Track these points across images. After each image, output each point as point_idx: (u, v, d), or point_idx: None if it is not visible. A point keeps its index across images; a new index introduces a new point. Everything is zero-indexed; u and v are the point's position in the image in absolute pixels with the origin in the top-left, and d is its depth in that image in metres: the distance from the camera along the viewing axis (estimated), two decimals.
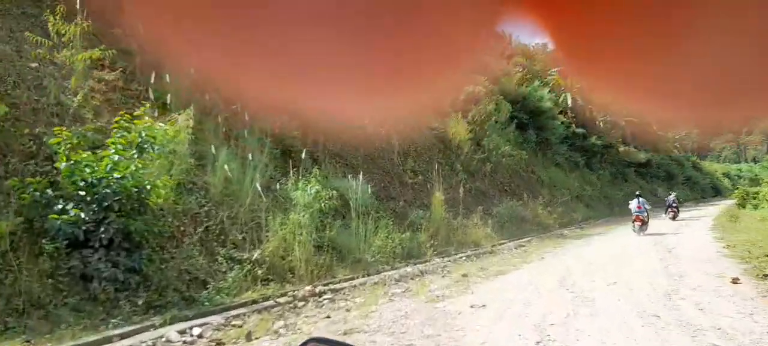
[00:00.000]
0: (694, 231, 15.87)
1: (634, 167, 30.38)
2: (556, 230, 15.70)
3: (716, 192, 36.67)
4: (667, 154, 34.29)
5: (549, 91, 24.08)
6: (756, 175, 52.41)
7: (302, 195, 7.68)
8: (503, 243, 12.36)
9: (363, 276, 7.77)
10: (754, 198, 19.19)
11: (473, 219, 12.31)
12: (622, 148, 31.20)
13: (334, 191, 8.37)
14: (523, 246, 12.36)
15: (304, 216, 7.39)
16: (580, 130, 26.46)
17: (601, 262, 9.55)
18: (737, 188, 23.97)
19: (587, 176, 26.28)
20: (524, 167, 19.70)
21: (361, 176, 9.23)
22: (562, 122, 24.46)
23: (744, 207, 19.18)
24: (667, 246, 11.64)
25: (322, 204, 7.85)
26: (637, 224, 14.47)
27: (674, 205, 20.83)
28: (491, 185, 16.51)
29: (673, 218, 19.87)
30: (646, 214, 14.55)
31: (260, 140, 8.24)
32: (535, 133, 21.67)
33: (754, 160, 65.79)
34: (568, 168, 24.82)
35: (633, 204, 14.79)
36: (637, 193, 15.45)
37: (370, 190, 9.58)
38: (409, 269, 8.59)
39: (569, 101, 25.21)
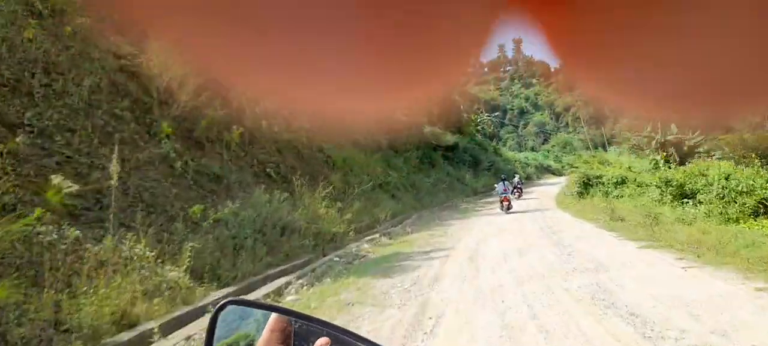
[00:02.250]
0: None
1: (441, 151, 26.62)
2: (348, 246, 9.32)
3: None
4: (472, 137, 31.92)
5: None
6: (540, 163, 56.53)
7: None
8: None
9: None
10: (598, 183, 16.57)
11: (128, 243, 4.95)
12: (427, 128, 27.34)
13: None
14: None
15: None
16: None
17: None
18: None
19: (392, 159, 21.19)
20: (305, 142, 13.09)
21: None
22: None
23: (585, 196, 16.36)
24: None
25: None
26: (505, 203, 16.11)
27: (519, 186, 23.14)
28: (238, 164, 9.44)
29: (518, 197, 21.34)
30: (510, 194, 16.74)
31: None
32: None
33: (532, 149, 72.42)
34: (369, 148, 19.27)
35: (499, 187, 16.79)
36: (503, 176, 18.49)
37: None
38: None
39: None
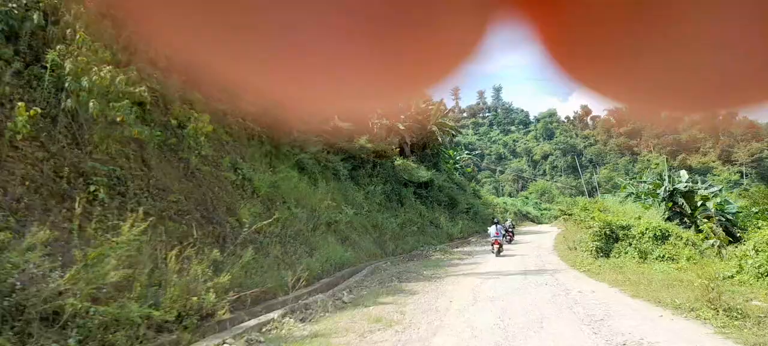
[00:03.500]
0: None
1: (413, 187, 22.55)
2: None
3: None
4: (449, 175, 28.01)
5: None
6: (519, 209, 53.00)
7: None
8: None
9: None
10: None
11: None
12: (399, 161, 23.35)
13: None
14: None
15: None
16: (345, 124, 17.13)
17: None
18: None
19: (351, 191, 16.99)
20: (212, 161, 8.89)
21: None
22: None
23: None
24: None
25: None
26: (496, 246, 16.02)
27: (511, 229, 22.71)
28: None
29: (509, 241, 21.02)
30: (502, 238, 16.53)
31: None
32: None
33: (510, 195, 69.33)
34: (319, 175, 15.13)
35: (492, 230, 16.75)
36: (495, 219, 19.14)
37: None
38: None
39: None
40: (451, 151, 29.89)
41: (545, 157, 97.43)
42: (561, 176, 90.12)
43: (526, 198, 62.56)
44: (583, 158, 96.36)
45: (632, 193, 24.23)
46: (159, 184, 6.95)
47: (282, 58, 0.22)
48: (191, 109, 8.65)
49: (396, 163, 22.62)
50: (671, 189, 20.48)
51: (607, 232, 12.29)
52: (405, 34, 0.21)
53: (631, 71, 0.24)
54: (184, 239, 6.40)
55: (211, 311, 4.97)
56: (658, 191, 20.83)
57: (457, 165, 30.92)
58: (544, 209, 56.12)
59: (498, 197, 57.47)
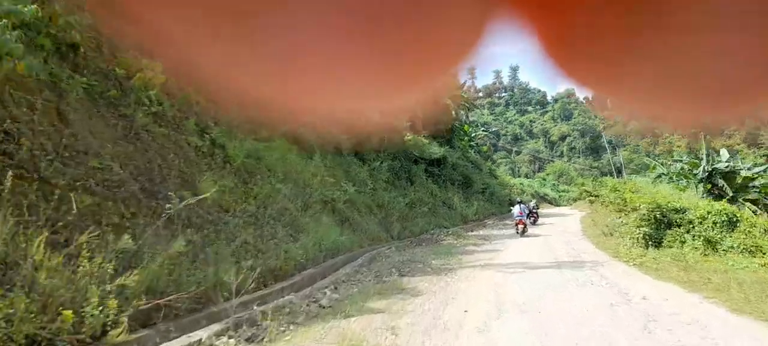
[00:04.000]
0: None
1: (424, 164, 20.68)
2: None
3: (512, 207, 30.24)
4: (464, 153, 26.04)
5: None
6: (536, 190, 50.87)
7: None
8: None
9: None
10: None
11: None
12: (408, 136, 21.46)
13: None
14: None
15: None
16: (343, 137, 15.20)
17: None
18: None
19: (353, 168, 15.24)
20: (171, 122, 7.18)
21: None
22: None
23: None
24: None
25: None
26: (520, 226, 15.66)
27: (535, 211, 21.45)
28: None
29: (533, 223, 20.12)
30: (526, 218, 16.12)
31: None
32: None
33: (526, 176, 67.11)
34: (317, 147, 13.41)
35: (515, 209, 16.44)
36: (519, 200, 18.48)
37: None
38: None
39: None
40: (466, 127, 27.86)
41: (563, 138, 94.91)
42: (579, 157, 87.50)
43: (544, 179, 60.44)
44: (603, 140, 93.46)
45: (663, 173, 22.09)
46: (78, 145, 5.21)
47: (277, 56, 0.22)
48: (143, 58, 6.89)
49: (406, 138, 20.75)
50: (710, 169, 18.35)
51: (657, 215, 10.27)
52: (404, 33, 0.21)
53: (631, 74, 0.24)
54: (103, 218, 4.68)
55: (103, 329, 3.26)
56: (695, 171, 18.68)
57: (472, 142, 28.92)
58: (563, 191, 53.95)
59: (514, 177, 55.41)
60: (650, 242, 9.85)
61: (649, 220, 10.24)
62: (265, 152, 9.56)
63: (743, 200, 17.30)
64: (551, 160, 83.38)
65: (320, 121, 14.01)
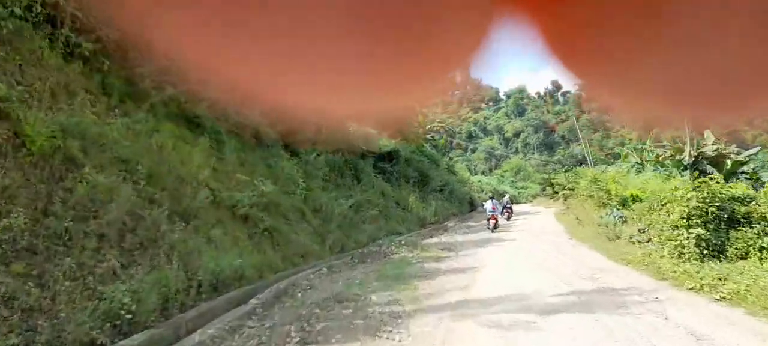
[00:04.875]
0: None
1: (373, 159, 17.53)
2: None
3: (472, 207, 27.56)
4: (419, 147, 23.02)
5: None
6: (495, 188, 48.79)
7: None
8: None
9: None
10: None
11: None
12: (353, 126, 18.24)
13: None
14: None
15: None
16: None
17: None
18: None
19: (278, 161, 11.88)
20: None
21: None
22: None
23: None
24: None
25: None
26: (492, 222, 15.30)
27: (509, 206, 20.51)
28: None
29: (507, 219, 19.23)
30: (499, 213, 15.96)
31: None
32: None
33: (483, 174, 65.42)
34: (226, 135, 10.06)
35: (488, 205, 15.98)
36: (491, 196, 19.54)
37: None
38: None
39: None
40: (420, 118, 24.91)
41: (517, 134, 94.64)
42: (534, 153, 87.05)
43: (502, 176, 58.78)
44: (556, 135, 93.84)
45: (638, 163, 19.92)
46: None
47: (276, 55, 0.21)
48: None
49: (351, 128, 17.51)
50: (696, 154, 16.13)
51: (714, 209, 7.28)
52: (405, 34, 0.20)
53: (633, 70, 0.24)
54: None
55: None
56: (678, 157, 16.42)
57: (428, 135, 26.02)
58: (522, 188, 52.35)
59: (471, 175, 53.27)
60: (708, 251, 6.91)
61: (702, 215, 7.22)
62: (112, 132, 6.06)
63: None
64: (507, 157, 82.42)
65: (233, 101, 10.59)
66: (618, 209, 11.77)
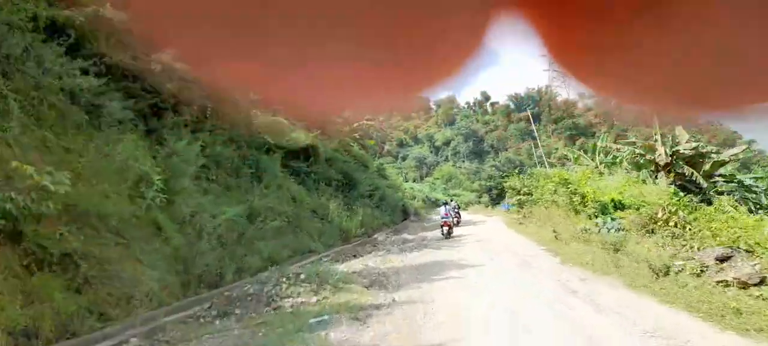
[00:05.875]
0: None
1: (281, 156, 13.62)
2: None
3: (406, 215, 24.28)
4: (345, 147, 19.35)
5: None
6: (427, 195, 46.15)
7: None
8: None
9: None
10: None
11: None
12: (259, 115, 14.28)
13: None
14: None
15: None
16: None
17: None
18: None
19: (121, 146, 7.72)
20: None
21: None
22: None
23: None
24: None
25: None
26: (445, 228, 14.70)
27: (457, 211, 19.26)
28: None
29: (456, 224, 17.63)
30: (452, 219, 15.09)
31: None
32: None
33: (414, 181, 63.06)
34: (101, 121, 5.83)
35: (441, 210, 15.66)
36: (444, 201, 18.51)
37: None
38: None
39: None
40: (345, 113, 21.28)
41: (447, 143, 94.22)
42: (464, 161, 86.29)
43: (433, 183, 56.53)
44: (485, 144, 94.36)
45: (592, 164, 17.52)
46: None
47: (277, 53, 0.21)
48: None
49: (256, 117, 13.53)
50: (671, 153, 13.76)
51: None
52: (406, 34, 0.21)
53: (632, 71, 0.24)
54: None
55: None
56: (651, 156, 13.98)
57: (355, 134, 22.42)
58: (454, 195, 50.19)
59: (404, 182, 50.40)
60: None
61: None
62: None
63: (711, 189, 12.76)
64: (438, 164, 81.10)
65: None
66: (613, 218, 8.83)
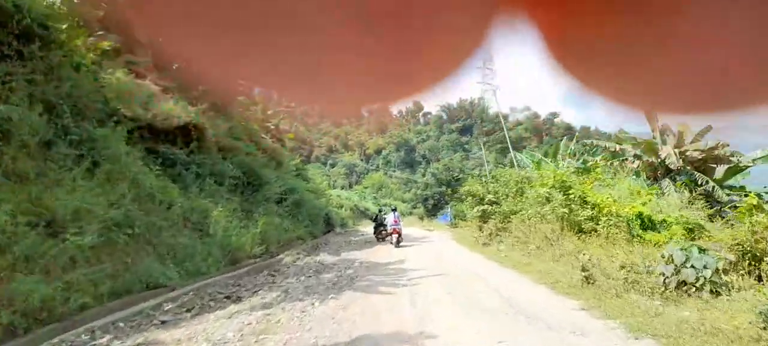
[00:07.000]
0: None
1: (131, 129, 8.94)
2: None
3: (329, 226, 20.07)
4: (248, 131, 14.80)
5: None
6: (355, 204, 42.03)
7: None
8: None
9: None
10: None
11: None
12: (109, 72, 9.56)
13: None
14: None
15: None
16: None
17: None
18: None
19: None
20: None
21: None
22: None
23: None
24: None
25: None
26: (395, 236, 14.04)
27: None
28: None
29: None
30: (400, 226, 14.35)
31: None
32: None
33: (343, 189, 58.94)
34: None
35: (389, 218, 14.96)
36: (393, 207, 16.03)
37: None
38: None
39: None
40: (256, 99, 16.73)
41: (378, 151, 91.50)
42: (395, 170, 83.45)
43: (363, 192, 52.63)
44: (417, 154, 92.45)
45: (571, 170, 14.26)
46: None
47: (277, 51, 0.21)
48: None
49: (86, 59, 8.78)
50: (678, 152, 10.61)
51: None
52: (406, 34, 0.21)
53: (631, 72, 0.24)
54: None
55: None
56: (650, 159, 10.77)
57: (268, 123, 17.89)
58: (385, 205, 46.63)
59: (331, 189, 46.08)
60: None
61: None
62: None
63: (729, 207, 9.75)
64: (368, 172, 77.64)
65: None
66: (701, 250, 5.18)
